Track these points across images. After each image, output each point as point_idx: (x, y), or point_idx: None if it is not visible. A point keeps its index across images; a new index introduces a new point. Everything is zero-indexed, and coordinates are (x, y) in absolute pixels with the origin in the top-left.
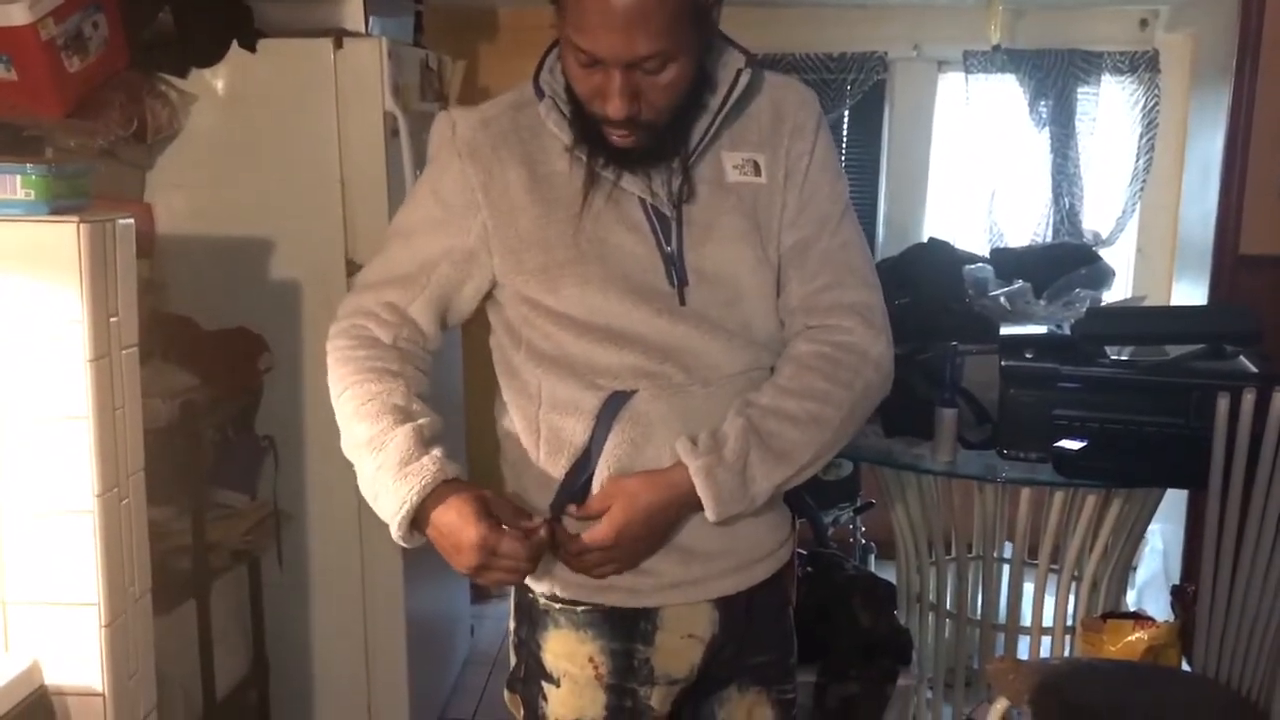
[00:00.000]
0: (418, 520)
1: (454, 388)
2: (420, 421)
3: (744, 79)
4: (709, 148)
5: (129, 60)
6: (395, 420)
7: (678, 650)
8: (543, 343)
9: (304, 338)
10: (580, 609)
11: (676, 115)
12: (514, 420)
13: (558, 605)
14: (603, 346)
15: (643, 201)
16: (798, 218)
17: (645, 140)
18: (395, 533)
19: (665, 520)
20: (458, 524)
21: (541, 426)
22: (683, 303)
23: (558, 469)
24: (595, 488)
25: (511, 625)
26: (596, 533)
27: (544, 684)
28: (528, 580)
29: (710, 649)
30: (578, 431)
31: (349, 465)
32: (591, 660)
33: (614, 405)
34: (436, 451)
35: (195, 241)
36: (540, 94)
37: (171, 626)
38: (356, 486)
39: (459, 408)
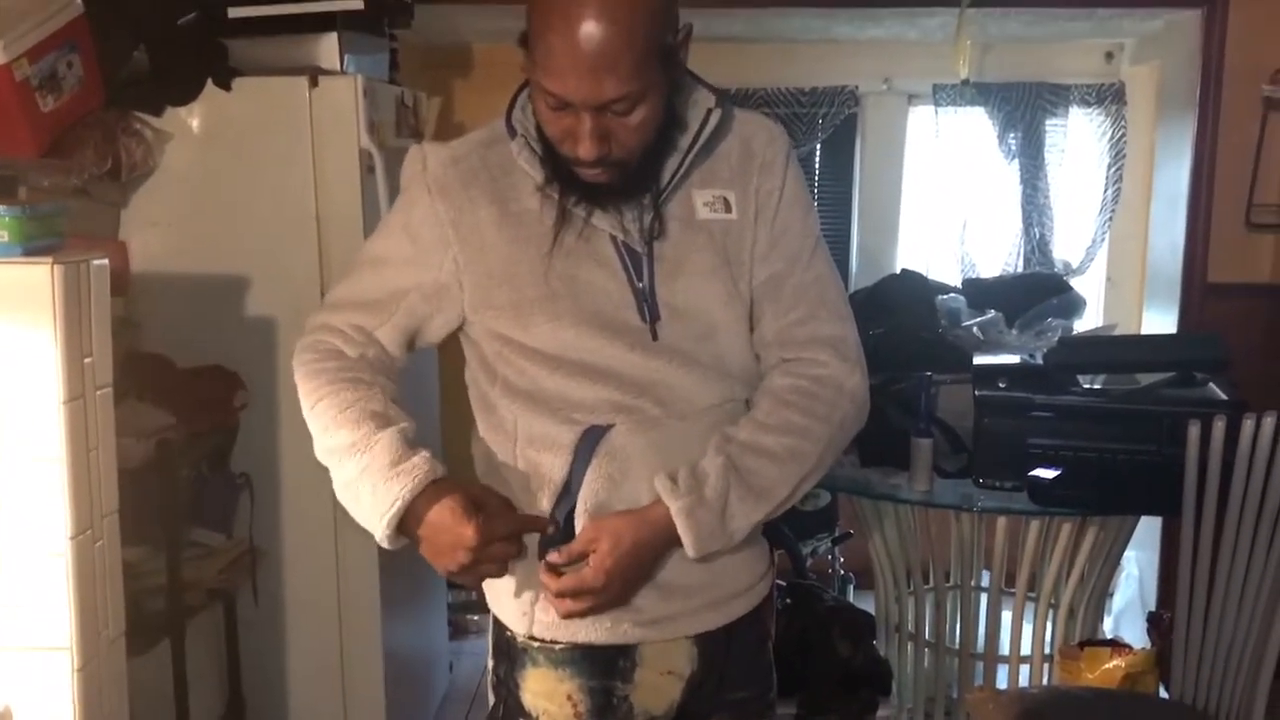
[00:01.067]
0: (404, 523)
1: (429, 410)
2: (403, 425)
3: (714, 118)
4: (680, 185)
5: (104, 99)
6: (377, 425)
7: (657, 687)
8: (517, 378)
9: (280, 375)
10: (559, 647)
11: (647, 153)
12: (492, 455)
13: (536, 644)
14: (577, 381)
15: (614, 238)
16: (770, 252)
17: (617, 178)
18: (382, 532)
19: (649, 557)
20: (452, 522)
21: (519, 461)
22: (655, 338)
23: (539, 505)
24: (578, 522)
25: (490, 663)
26: (586, 575)
27: None
28: (507, 618)
29: (690, 685)
30: (556, 467)
31: (325, 501)
32: (570, 699)
33: (591, 440)
34: (425, 451)
35: (170, 279)
36: (513, 132)
37: (146, 667)
38: (333, 522)
39: (435, 429)
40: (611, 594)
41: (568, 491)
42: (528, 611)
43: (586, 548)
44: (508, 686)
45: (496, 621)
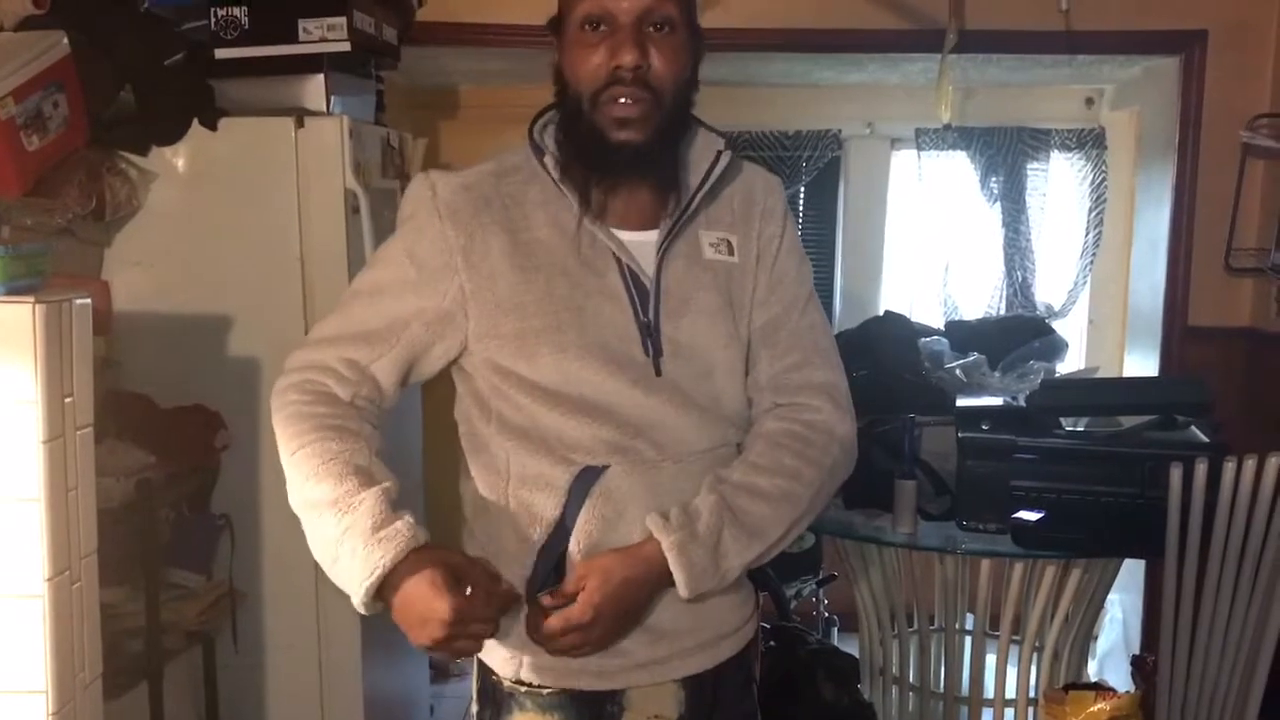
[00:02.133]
0: (382, 589)
1: (413, 445)
2: (387, 484)
3: (724, 159)
4: (688, 223)
5: (89, 138)
6: (361, 482)
7: None
8: (513, 415)
9: (262, 415)
10: (546, 692)
11: (675, 109)
12: (482, 495)
13: (524, 689)
14: (575, 419)
15: (622, 271)
16: (769, 297)
17: (648, 127)
18: (359, 599)
19: (640, 596)
20: (429, 595)
21: (511, 501)
22: (659, 373)
23: (530, 546)
24: (570, 564)
25: (474, 709)
26: (573, 612)
27: None
28: (494, 663)
29: None
30: (549, 507)
31: (306, 543)
32: None
33: (586, 481)
34: (408, 517)
35: (153, 319)
36: (539, 151)
37: (124, 710)
38: (314, 565)
39: (418, 464)
40: (600, 630)
41: (560, 532)
42: (515, 656)
43: (576, 587)
44: None
45: (482, 666)
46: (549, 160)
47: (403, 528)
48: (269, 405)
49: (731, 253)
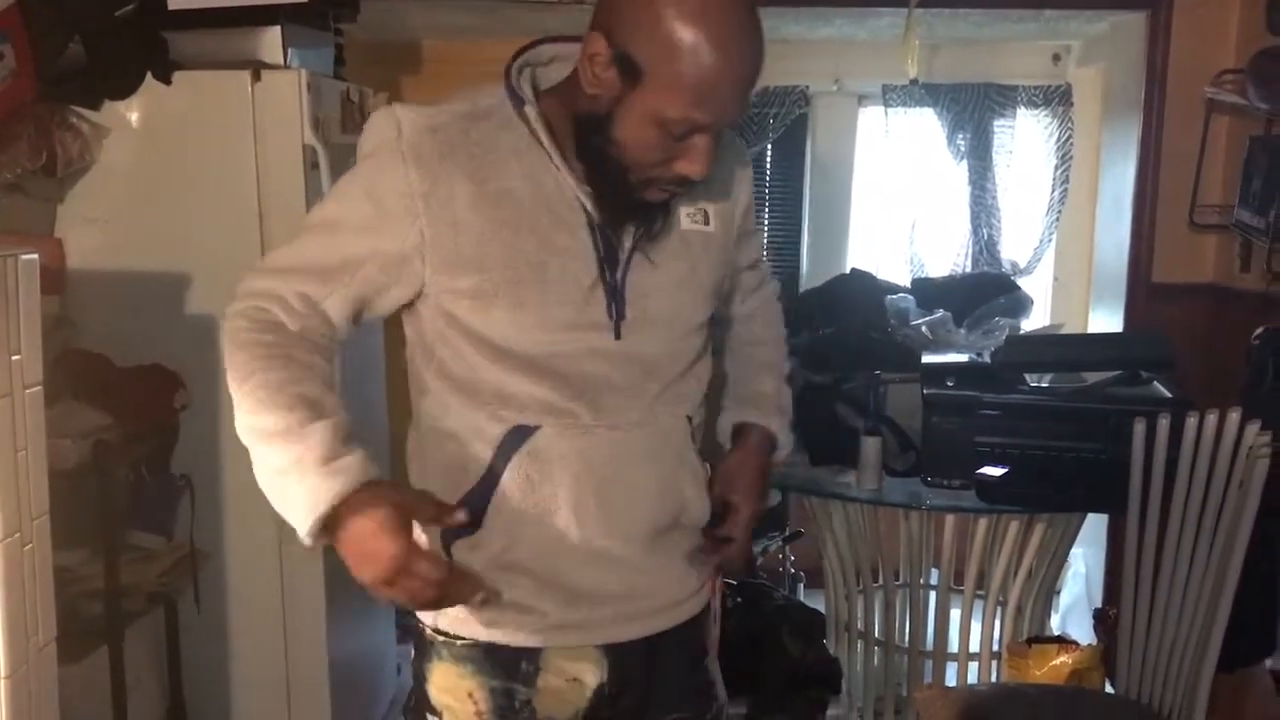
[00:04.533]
0: (328, 523)
1: (376, 384)
2: (338, 418)
3: None
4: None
5: (38, 92)
6: (311, 414)
7: (560, 693)
8: (455, 363)
9: (221, 374)
10: (461, 643)
11: None
12: (417, 440)
13: (441, 638)
14: (515, 376)
15: (592, 229)
16: (746, 248)
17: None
18: (305, 529)
19: (766, 469)
20: (374, 532)
21: (443, 450)
22: (617, 336)
23: (456, 493)
24: (488, 521)
25: (412, 653)
26: (738, 519)
27: (429, 716)
28: (420, 610)
29: (598, 696)
30: (476, 460)
31: (269, 502)
32: (471, 696)
33: (515, 439)
34: (360, 450)
35: (108, 277)
36: (519, 101)
37: (83, 675)
38: (277, 523)
39: (381, 406)
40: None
41: (484, 486)
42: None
43: (724, 503)
44: (419, 678)
45: (414, 614)
46: (529, 111)
47: (353, 461)
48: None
49: (707, 222)
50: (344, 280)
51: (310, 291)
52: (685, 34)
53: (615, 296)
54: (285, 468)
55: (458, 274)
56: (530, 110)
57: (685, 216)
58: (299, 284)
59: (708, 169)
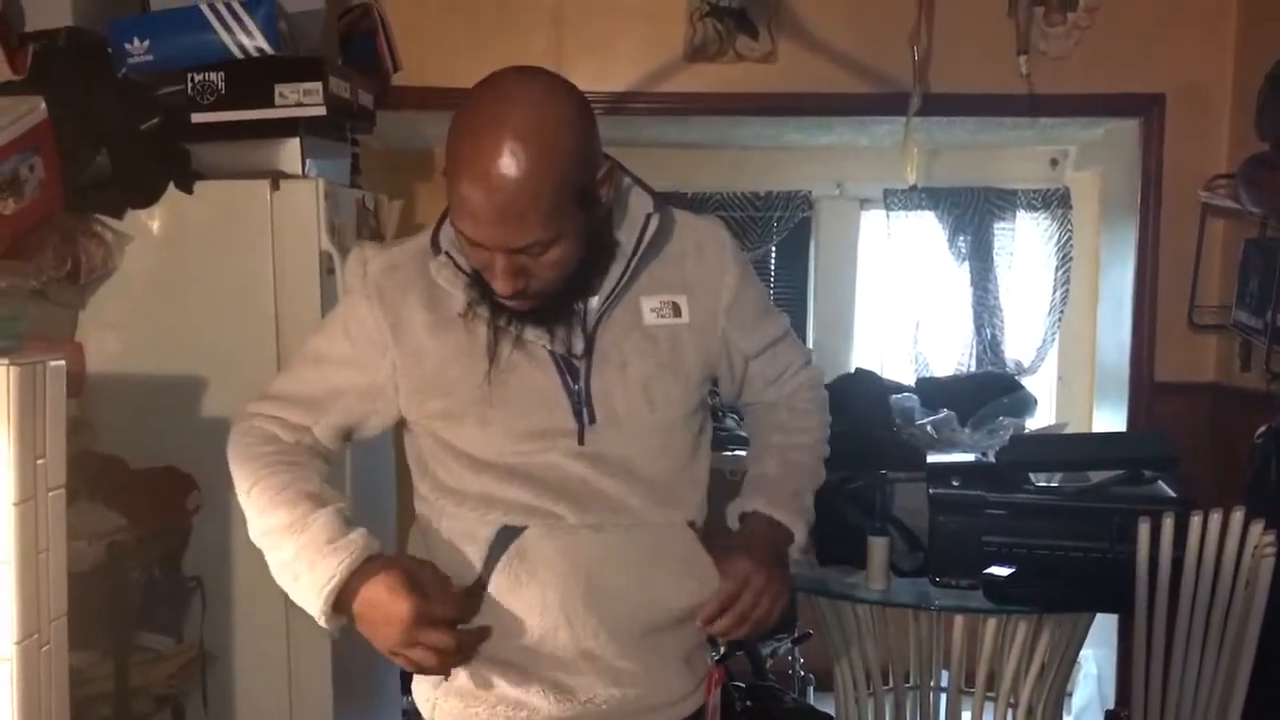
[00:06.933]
0: (342, 600)
1: (386, 481)
2: (339, 505)
3: (653, 224)
4: (625, 291)
5: (65, 201)
6: (314, 505)
7: None
8: (445, 475)
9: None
10: None
11: (570, 281)
12: (418, 541)
13: None
14: (498, 483)
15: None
16: (751, 332)
17: (540, 305)
18: (319, 608)
19: (780, 550)
20: (387, 597)
21: (439, 551)
22: (581, 442)
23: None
24: (482, 617)
25: None
26: (728, 583)
27: None
28: (418, 701)
29: None
30: (468, 563)
31: (278, 604)
32: None
33: (504, 539)
34: (362, 529)
35: (126, 380)
36: (437, 249)
37: None
38: (285, 625)
39: (391, 509)
40: (764, 579)
41: (479, 585)
42: (430, 697)
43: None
44: None
45: (415, 705)
46: (436, 265)
47: (356, 538)
48: None
49: (678, 314)
50: (328, 410)
51: (299, 420)
52: (452, 157)
53: (583, 401)
54: (294, 557)
55: (426, 398)
56: (435, 264)
57: (650, 312)
58: (290, 412)
59: (509, 288)
